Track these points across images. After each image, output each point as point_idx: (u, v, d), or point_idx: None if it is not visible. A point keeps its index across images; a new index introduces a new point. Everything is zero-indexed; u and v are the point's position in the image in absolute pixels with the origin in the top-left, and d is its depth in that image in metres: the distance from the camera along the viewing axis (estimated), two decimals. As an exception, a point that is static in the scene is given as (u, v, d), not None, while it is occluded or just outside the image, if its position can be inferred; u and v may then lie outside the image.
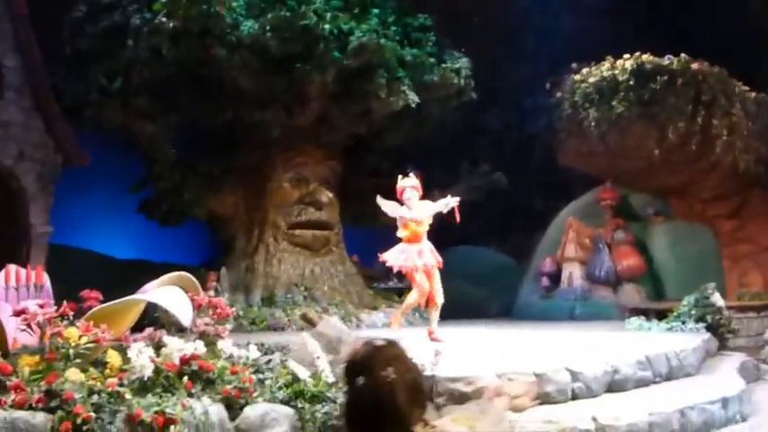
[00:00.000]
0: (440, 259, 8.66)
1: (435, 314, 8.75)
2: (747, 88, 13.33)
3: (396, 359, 2.30)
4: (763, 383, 8.52)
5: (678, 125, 12.42)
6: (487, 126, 18.55)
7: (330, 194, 13.31)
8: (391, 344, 2.37)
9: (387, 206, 8.78)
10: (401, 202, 8.72)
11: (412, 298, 8.72)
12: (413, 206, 8.68)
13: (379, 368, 2.25)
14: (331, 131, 13.30)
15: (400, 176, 8.85)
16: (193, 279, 6.50)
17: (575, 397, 5.90)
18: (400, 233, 8.71)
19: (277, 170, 13.29)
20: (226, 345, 6.01)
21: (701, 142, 12.64)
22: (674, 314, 9.95)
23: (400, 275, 14.07)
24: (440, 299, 8.64)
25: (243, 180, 13.45)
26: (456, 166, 15.94)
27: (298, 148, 13.29)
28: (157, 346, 5.45)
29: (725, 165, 12.93)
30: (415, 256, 8.57)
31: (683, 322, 9.63)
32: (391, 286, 14.25)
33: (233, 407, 5.31)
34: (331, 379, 5.66)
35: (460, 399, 5.23)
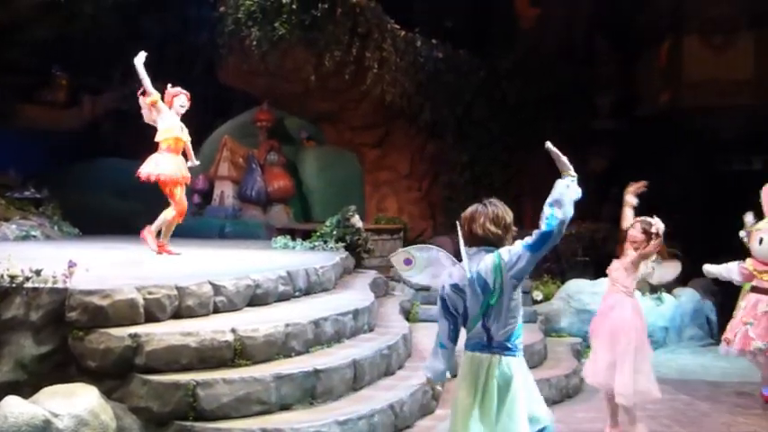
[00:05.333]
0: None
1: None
2: (399, 26, 14.18)
3: None
4: (390, 297, 9.43)
5: (335, 53, 12.87)
6: (147, 32, 17.56)
7: (-43, 89, 11.68)
8: None
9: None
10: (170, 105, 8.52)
11: (170, 215, 8.40)
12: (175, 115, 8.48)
13: None
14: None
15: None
16: None
17: (216, 310, 5.94)
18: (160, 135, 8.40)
19: None
20: None
21: (355, 72, 13.27)
22: (318, 234, 10.48)
23: (38, 185, 12.99)
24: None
25: None
26: (110, 71, 14.89)
27: None
28: None
29: (374, 96, 13.75)
30: (179, 167, 8.39)
31: (325, 242, 10.18)
32: (27, 195, 12.97)
33: None
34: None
35: (95, 312, 4.97)
